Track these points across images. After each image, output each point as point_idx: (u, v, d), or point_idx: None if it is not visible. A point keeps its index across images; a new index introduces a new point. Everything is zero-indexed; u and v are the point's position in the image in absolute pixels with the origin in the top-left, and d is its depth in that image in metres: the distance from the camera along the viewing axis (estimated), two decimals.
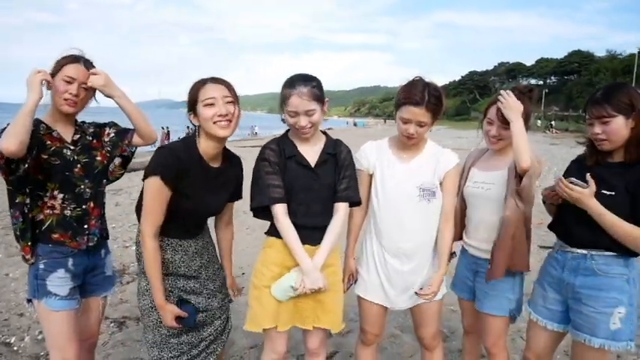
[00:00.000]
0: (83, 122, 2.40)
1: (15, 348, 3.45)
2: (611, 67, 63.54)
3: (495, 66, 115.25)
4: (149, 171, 2.02)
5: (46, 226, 2.19)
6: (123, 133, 2.42)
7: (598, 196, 2.07)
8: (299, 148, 2.26)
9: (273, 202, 2.18)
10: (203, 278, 2.28)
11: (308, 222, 2.24)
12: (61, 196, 2.22)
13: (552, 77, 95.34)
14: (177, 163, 2.03)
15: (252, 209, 2.28)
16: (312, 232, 2.25)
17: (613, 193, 2.07)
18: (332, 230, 2.27)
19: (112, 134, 2.41)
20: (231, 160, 2.31)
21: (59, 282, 2.21)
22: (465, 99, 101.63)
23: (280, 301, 2.24)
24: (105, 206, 2.43)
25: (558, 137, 38.39)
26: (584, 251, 2.16)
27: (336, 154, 2.32)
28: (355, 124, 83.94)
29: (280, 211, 2.19)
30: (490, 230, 2.37)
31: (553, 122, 51.50)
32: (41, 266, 2.20)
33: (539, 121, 49.51)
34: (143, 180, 2.06)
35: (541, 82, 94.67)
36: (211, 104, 2.05)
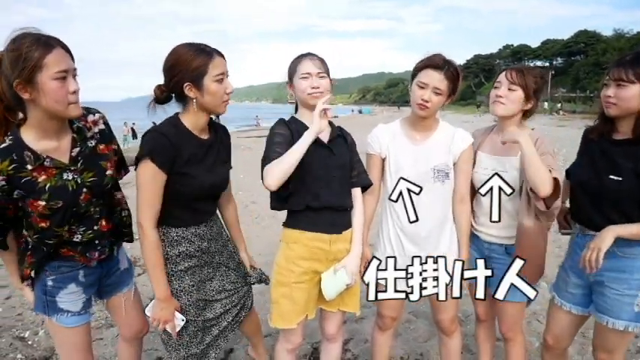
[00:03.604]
0: (82, 117, 1.93)
1: (29, 342, 3.46)
2: (618, 46, 62.66)
3: (500, 49, 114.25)
4: (139, 157, 1.95)
5: (49, 247, 1.91)
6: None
7: (606, 181, 2.03)
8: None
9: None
10: (216, 262, 2.27)
11: (332, 201, 2.18)
12: (66, 227, 1.89)
13: (558, 58, 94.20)
14: (167, 142, 1.95)
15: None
16: (336, 217, 2.23)
17: (620, 178, 2.00)
18: (359, 216, 2.31)
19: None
20: (217, 129, 2.23)
21: (71, 297, 2.00)
22: (471, 83, 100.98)
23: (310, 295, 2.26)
24: (119, 216, 2.16)
25: (566, 119, 38.05)
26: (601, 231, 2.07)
27: (344, 137, 2.33)
28: (360, 112, 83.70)
29: None
30: (504, 217, 2.30)
31: (560, 104, 51.10)
32: (49, 282, 1.96)
33: (546, 104, 49.12)
34: (135, 169, 1.98)
35: (547, 64, 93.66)
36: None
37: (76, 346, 2.09)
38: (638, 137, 2.00)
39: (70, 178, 1.85)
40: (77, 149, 1.89)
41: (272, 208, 2.25)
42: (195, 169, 2.04)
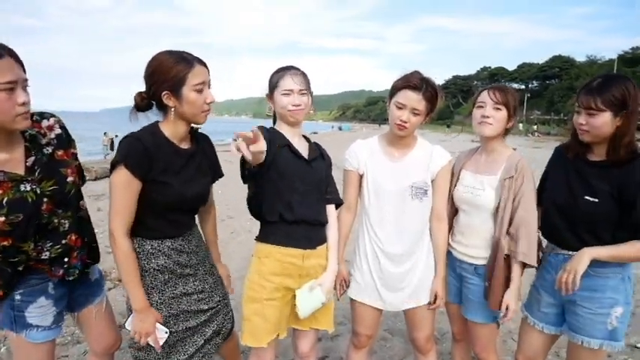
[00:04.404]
0: (35, 123, 1.83)
1: None
2: (591, 72, 64.61)
3: (478, 70, 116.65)
4: (114, 163, 1.88)
5: (15, 266, 1.83)
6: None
7: (581, 202, 2.05)
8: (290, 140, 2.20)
9: None
10: (201, 274, 2.19)
11: (306, 214, 2.17)
12: (32, 245, 1.81)
13: (534, 82, 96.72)
14: (142, 147, 1.88)
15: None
16: (311, 232, 2.22)
17: (596, 200, 2.02)
18: (334, 232, 2.34)
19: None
20: (199, 139, 2.18)
21: (40, 311, 1.91)
22: (449, 103, 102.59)
23: (282, 312, 2.22)
24: (89, 231, 2.10)
25: (541, 140, 38.87)
26: (576, 253, 2.07)
27: (322, 154, 2.33)
28: (340, 128, 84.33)
29: None
30: (477, 237, 2.33)
31: (536, 126, 52.33)
32: (17, 297, 1.86)
33: (521, 125, 50.24)
34: (109, 176, 1.91)
35: (523, 87, 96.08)
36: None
37: None
38: (612, 160, 2.02)
39: (28, 189, 1.75)
40: (32, 158, 1.80)
41: (249, 209, 2.25)
42: (173, 179, 1.98)
